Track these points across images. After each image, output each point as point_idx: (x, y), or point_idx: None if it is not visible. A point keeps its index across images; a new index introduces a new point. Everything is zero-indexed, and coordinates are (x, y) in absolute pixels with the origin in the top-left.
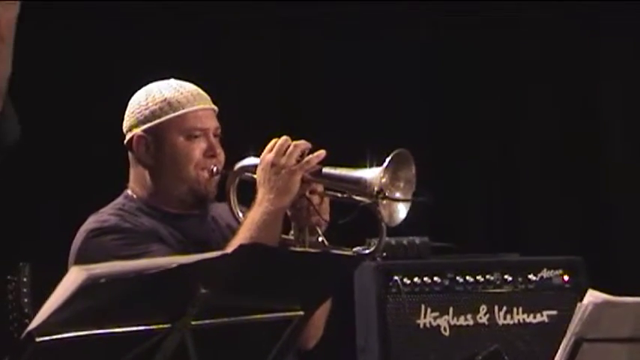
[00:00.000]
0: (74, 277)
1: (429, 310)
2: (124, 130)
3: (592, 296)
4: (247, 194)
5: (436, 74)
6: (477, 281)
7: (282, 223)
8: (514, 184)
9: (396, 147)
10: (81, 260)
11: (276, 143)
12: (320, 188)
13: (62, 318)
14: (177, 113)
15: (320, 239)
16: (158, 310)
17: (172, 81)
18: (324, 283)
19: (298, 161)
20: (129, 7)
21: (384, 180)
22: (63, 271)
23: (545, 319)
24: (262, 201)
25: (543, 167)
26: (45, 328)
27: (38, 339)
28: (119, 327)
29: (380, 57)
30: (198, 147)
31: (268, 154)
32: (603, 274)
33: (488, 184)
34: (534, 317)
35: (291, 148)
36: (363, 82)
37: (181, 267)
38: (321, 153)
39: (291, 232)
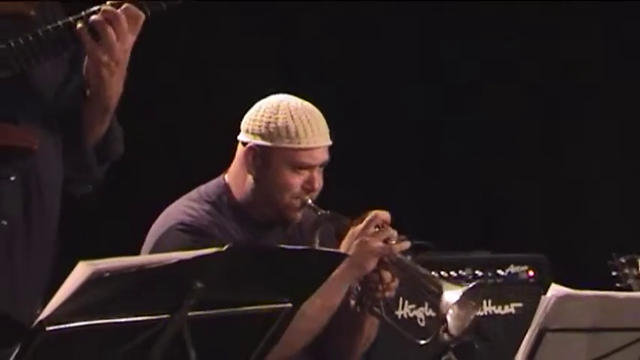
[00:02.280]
0: (81, 271)
1: (407, 302)
2: (243, 127)
3: (555, 290)
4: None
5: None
6: (450, 276)
7: (344, 291)
8: (485, 188)
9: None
10: (158, 245)
11: (370, 218)
12: (394, 272)
13: (70, 309)
14: (291, 145)
15: (379, 311)
16: (158, 301)
17: (302, 104)
18: (311, 278)
19: (385, 243)
20: None
21: (454, 306)
22: None
23: (512, 310)
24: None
25: (511, 173)
26: (54, 317)
27: (48, 328)
28: (122, 317)
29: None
30: (301, 179)
31: (358, 226)
32: (565, 270)
33: (462, 189)
34: (502, 309)
35: (381, 227)
36: None
37: (180, 262)
38: (405, 245)
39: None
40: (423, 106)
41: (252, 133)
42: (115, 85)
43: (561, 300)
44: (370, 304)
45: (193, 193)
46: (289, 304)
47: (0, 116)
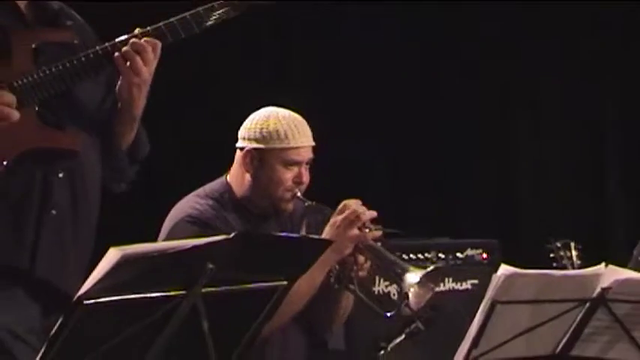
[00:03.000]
0: (112, 255)
1: (381, 280)
2: (240, 135)
3: (504, 269)
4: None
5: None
6: (418, 258)
7: (326, 271)
8: (447, 183)
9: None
10: (171, 234)
11: (345, 207)
12: (368, 255)
13: (103, 286)
14: (282, 146)
15: (354, 287)
16: (176, 280)
17: (287, 112)
18: (302, 261)
19: (359, 230)
20: None
21: (416, 286)
22: None
23: (469, 286)
24: None
25: (463, 168)
26: (90, 293)
27: (85, 302)
28: (146, 293)
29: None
30: (291, 174)
31: (338, 216)
32: (512, 252)
33: (428, 180)
34: (461, 285)
35: (355, 218)
36: None
37: (194, 248)
38: (378, 233)
39: (332, 278)
40: (392, 103)
41: (249, 139)
42: (142, 100)
43: (509, 277)
44: (346, 282)
45: (200, 191)
46: (284, 282)
47: (51, 124)
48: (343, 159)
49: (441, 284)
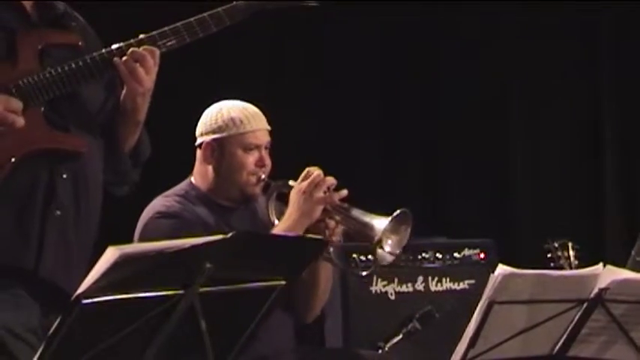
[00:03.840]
0: (110, 254)
1: (379, 280)
2: (197, 133)
3: (501, 269)
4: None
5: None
6: (415, 258)
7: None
8: (444, 182)
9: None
10: (144, 233)
11: (309, 173)
12: (337, 218)
13: (101, 285)
14: (239, 131)
15: (329, 255)
16: (174, 279)
17: (239, 102)
18: (300, 259)
19: (325, 193)
20: None
21: (387, 231)
22: None
23: (466, 286)
24: (289, 218)
25: (460, 167)
26: (88, 292)
27: (84, 301)
28: (144, 292)
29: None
30: (252, 158)
31: (302, 182)
32: (509, 252)
33: (425, 181)
34: (458, 285)
35: (320, 181)
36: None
37: (192, 247)
38: (344, 193)
39: None
40: (390, 101)
41: (206, 133)
42: (146, 106)
43: (506, 277)
44: None
45: (166, 192)
46: (282, 282)
47: (55, 126)
48: (339, 157)
49: (439, 284)
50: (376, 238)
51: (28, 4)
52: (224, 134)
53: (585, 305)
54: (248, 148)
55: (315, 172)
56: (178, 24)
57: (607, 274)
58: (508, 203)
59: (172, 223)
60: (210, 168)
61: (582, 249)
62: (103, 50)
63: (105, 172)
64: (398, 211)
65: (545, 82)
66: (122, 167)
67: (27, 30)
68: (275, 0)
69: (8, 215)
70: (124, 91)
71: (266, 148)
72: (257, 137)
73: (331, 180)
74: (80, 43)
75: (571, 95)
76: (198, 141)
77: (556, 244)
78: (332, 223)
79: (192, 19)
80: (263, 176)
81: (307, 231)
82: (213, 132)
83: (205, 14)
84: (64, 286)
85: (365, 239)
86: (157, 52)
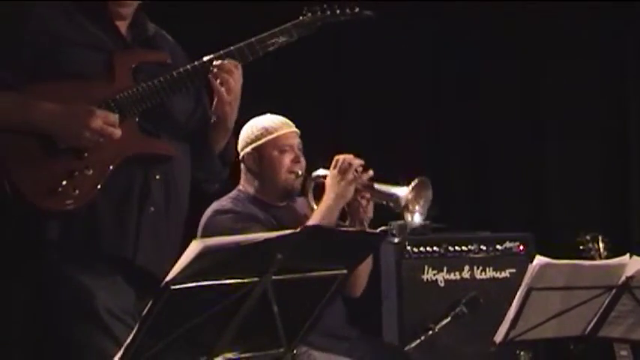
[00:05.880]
0: (195, 246)
1: (430, 269)
2: (239, 150)
3: (539, 259)
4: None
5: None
6: (462, 250)
7: (339, 214)
8: (488, 184)
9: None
10: (206, 230)
11: (340, 159)
12: (367, 196)
13: (187, 273)
14: (272, 136)
15: (365, 227)
16: (249, 269)
17: (267, 115)
18: (360, 251)
19: (354, 176)
20: None
21: (409, 197)
22: None
23: (507, 275)
24: (327, 200)
25: (502, 171)
26: (176, 279)
27: (172, 286)
28: (224, 280)
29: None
30: (288, 157)
31: (334, 169)
32: (546, 244)
33: (470, 181)
34: (500, 274)
35: (349, 164)
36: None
37: (265, 240)
38: (370, 173)
39: (347, 220)
40: (432, 105)
41: (246, 146)
42: (235, 114)
43: (543, 267)
44: (359, 224)
45: (219, 199)
46: (344, 271)
47: (149, 132)
48: (389, 159)
49: (483, 273)
50: (403, 204)
51: (122, 27)
52: (260, 142)
53: (614, 291)
54: (283, 150)
55: (343, 156)
56: (252, 39)
57: (633, 264)
58: (545, 201)
59: (229, 217)
60: (254, 174)
61: (611, 241)
62: (189, 65)
63: (198, 172)
64: (416, 180)
65: (576, 89)
66: (214, 167)
67: (122, 50)
68: (337, 14)
69: (109, 212)
70: (214, 101)
71: (299, 148)
72: (288, 138)
73: (359, 161)
74: (169, 60)
75: (600, 99)
76: (241, 155)
77: (587, 237)
78: (364, 202)
79: (264, 34)
80: (300, 172)
81: (343, 210)
82: (251, 142)
83: (276, 30)
84: (155, 274)
85: (395, 208)
86: (240, 65)
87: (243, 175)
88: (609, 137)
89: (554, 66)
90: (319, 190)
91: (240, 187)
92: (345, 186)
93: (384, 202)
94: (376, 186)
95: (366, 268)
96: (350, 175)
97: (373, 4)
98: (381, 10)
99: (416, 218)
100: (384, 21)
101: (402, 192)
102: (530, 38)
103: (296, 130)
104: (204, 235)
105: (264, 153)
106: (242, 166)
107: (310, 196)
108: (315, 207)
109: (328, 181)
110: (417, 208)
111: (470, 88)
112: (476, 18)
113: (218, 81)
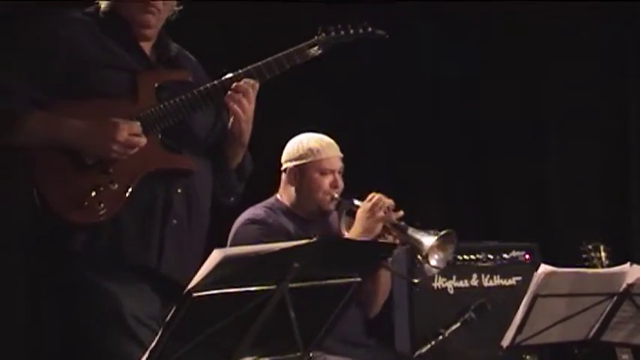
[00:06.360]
0: (216, 255)
1: (440, 277)
2: (283, 160)
3: (544, 267)
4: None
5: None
6: (470, 259)
7: None
8: (495, 196)
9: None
10: (236, 236)
11: (373, 197)
12: (394, 234)
13: (208, 281)
14: (316, 158)
15: (388, 264)
16: (267, 276)
17: (316, 134)
18: (372, 260)
19: (385, 213)
20: None
21: (433, 246)
22: None
23: (514, 282)
24: (354, 232)
25: (508, 183)
26: (198, 287)
27: (194, 294)
28: (243, 287)
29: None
30: (328, 180)
31: (367, 203)
32: (550, 253)
33: (477, 195)
34: (507, 281)
35: (381, 203)
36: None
37: (283, 250)
38: (400, 213)
39: None
40: (433, 115)
41: (289, 160)
42: (249, 131)
43: (548, 275)
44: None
45: (255, 205)
46: (359, 279)
47: (170, 149)
48: (397, 168)
49: (491, 280)
50: (424, 253)
51: (147, 47)
52: (304, 161)
53: (615, 298)
54: (324, 173)
55: (377, 195)
56: (269, 59)
57: (634, 272)
58: (548, 213)
59: (259, 228)
60: (293, 188)
61: (612, 250)
62: (208, 84)
63: (215, 186)
64: (444, 231)
65: (576, 94)
66: (230, 182)
67: (146, 70)
68: (351, 34)
69: (133, 224)
70: (231, 119)
71: (339, 172)
72: (331, 163)
73: (390, 202)
74: (190, 79)
75: (600, 105)
76: (284, 167)
77: (590, 246)
78: (390, 239)
79: (280, 54)
80: (336, 195)
81: None
82: (296, 159)
83: (292, 49)
84: (178, 282)
85: (416, 252)
86: (257, 85)
87: (282, 185)
88: (609, 137)
89: (554, 66)
90: (351, 216)
91: (278, 195)
92: (374, 222)
93: (408, 244)
94: (404, 227)
95: (384, 289)
96: (380, 214)
97: (373, 6)
98: (381, 10)
99: (432, 267)
100: (384, 21)
101: (428, 241)
102: (530, 38)
103: (340, 154)
104: (234, 242)
105: (306, 173)
106: (283, 176)
107: (342, 221)
108: (345, 233)
109: (359, 214)
110: (435, 257)
111: (470, 88)
112: (476, 18)
113: (234, 103)
